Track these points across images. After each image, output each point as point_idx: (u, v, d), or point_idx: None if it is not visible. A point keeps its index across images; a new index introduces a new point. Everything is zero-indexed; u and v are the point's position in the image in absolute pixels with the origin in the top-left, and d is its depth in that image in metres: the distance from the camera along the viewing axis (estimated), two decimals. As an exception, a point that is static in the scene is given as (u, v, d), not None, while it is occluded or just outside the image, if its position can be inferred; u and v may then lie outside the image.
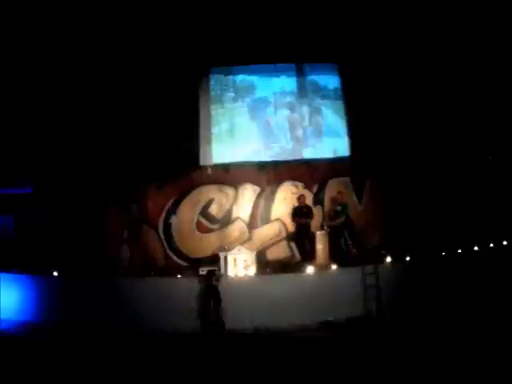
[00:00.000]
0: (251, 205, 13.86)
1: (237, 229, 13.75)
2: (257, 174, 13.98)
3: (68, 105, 13.73)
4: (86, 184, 13.53)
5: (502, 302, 10.82)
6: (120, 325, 10.63)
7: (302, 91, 14.70)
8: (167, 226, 13.69)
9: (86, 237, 13.29)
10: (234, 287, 10.95)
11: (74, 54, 13.53)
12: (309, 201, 13.74)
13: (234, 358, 8.95)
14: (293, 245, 13.70)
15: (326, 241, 12.24)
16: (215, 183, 13.87)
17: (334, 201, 13.85)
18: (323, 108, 14.71)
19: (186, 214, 13.73)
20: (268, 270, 12.30)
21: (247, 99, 14.48)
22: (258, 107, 14.46)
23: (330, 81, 14.78)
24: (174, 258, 13.60)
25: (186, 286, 11.12)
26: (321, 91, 14.78)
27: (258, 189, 13.91)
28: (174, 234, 13.68)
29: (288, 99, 14.64)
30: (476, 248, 13.16)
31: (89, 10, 13.11)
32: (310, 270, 11.57)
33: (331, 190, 14.16)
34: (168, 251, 13.65)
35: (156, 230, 13.69)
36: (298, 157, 14.32)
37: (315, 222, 13.38)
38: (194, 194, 13.80)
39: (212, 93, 14.35)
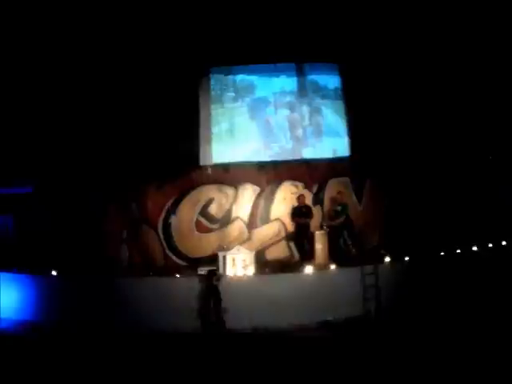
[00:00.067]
0: (251, 205, 13.85)
1: (236, 229, 13.74)
2: (256, 173, 13.97)
3: (68, 105, 13.74)
4: (85, 184, 13.54)
5: (500, 302, 10.83)
6: (119, 324, 10.64)
7: (302, 91, 14.68)
8: (166, 225, 13.69)
9: (86, 236, 13.30)
10: (233, 287, 10.92)
11: (74, 54, 13.54)
12: (308, 201, 13.73)
13: (233, 358, 8.96)
14: (292, 245, 13.69)
15: (325, 241, 12.26)
16: (215, 183, 13.86)
17: (333, 201, 13.85)
18: (323, 108, 14.70)
19: (186, 213, 13.73)
20: (267, 269, 12.30)
21: (247, 99, 14.47)
22: (257, 107, 14.45)
23: (330, 81, 14.78)
24: (174, 257, 13.60)
25: (185, 286, 11.12)
26: (321, 91, 14.77)
27: (257, 189, 13.90)
28: (173, 233, 13.68)
29: (288, 99, 14.62)
30: (475, 248, 13.14)
31: (89, 10, 13.12)
32: (309, 269, 11.57)
33: (331, 189, 14.16)
34: (167, 251, 13.64)
35: (155, 229, 13.69)
36: (297, 157, 14.31)
37: (314, 221, 13.39)
38: (193, 194, 13.80)
39: (212, 92, 14.34)
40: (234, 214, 13.82)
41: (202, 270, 11.59)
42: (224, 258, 11.94)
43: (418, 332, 9.78)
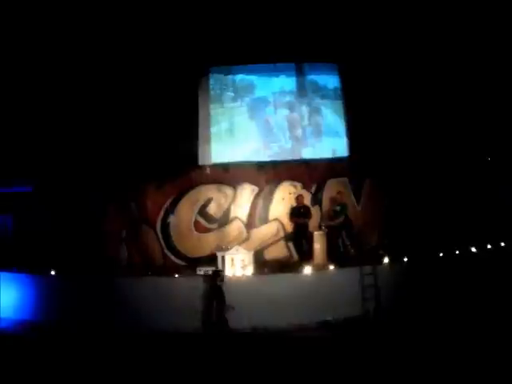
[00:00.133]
0: (249, 205, 13.87)
1: (235, 228, 13.76)
2: (255, 173, 13.98)
3: (67, 104, 13.75)
4: (85, 183, 13.55)
5: (499, 303, 10.85)
6: (118, 324, 10.65)
7: (302, 91, 14.70)
8: (165, 225, 13.70)
9: (85, 236, 13.32)
10: (232, 287, 10.91)
11: (74, 53, 13.54)
12: (307, 201, 13.76)
13: (233, 358, 8.98)
14: (291, 245, 13.72)
15: (323, 241, 12.27)
16: (214, 183, 13.88)
17: (333, 201, 13.86)
18: (323, 108, 14.72)
19: (185, 213, 13.73)
20: (266, 269, 12.30)
21: (247, 99, 14.49)
22: (257, 107, 14.47)
23: (330, 80, 14.79)
24: (172, 257, 13.60)
25: (184, 286, 11.17)
26: (320, 91, 14.78)
27: (256, 188, 13.91)
28: (171, 233, 13.68)
29: (287, 99, 14.65)
30: (474, 249, 13.15)
31: (89, 10, 13.11)
32: (307, 270, 11.58)
33: (330, 190, 14.17)
34: (166, 251, 13.65)
35: (154, 229, 13.70)
36: (297, 157, 14.33)
37: (313, 222, 13.41)
38: (192, 194, 13.81)
39: (211, 92, 14.36)
40: (232, 214, 13.83)
41: (201, 270, 11.63)
42: (223, 258, 11.94)
43: (417, 332, 9.79)
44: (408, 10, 13.79)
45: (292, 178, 14.07)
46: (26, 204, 14.18)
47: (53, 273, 11.98)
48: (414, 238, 13.21)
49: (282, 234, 13.85)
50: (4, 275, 12.15)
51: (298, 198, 13.46)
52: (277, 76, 14.61)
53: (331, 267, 11.83)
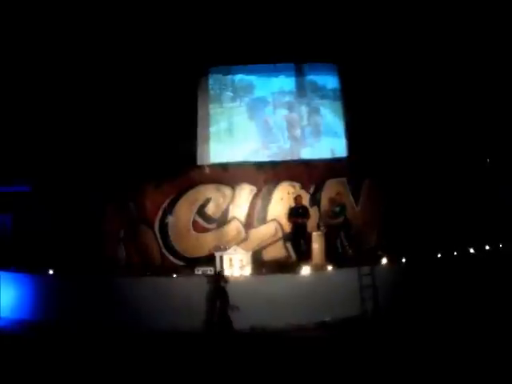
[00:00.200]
0: (248, 205, 13.88)
1: (233, 228, 13.76)
2: (254, 173, 13.98)
3: (67, 104, 13.76)
4: (83, 183, 13.56)
5: (497, 304, 10.87)
6: (116, 324, 10.62)
7: (301, 91, 14.73)
8: (163, 225, 13.69)
9: (84, 236, 13.32)
10: (230, 287, 10.88)
11: (74, 53, 13.56)
12: (305, 201, 13.76)
13: (231, 358, 8.99)
14: (289, 245, 13.72)
15: (322, 241, 12.25)
16: (213, 183, 13.87)
17: (332, 201, 13.86)
18: (322, 108, 14.77)
19: (183, 213, 13.73)
20: (264, 270, 12.29)
21: (246, 99, 14.54)
22: (256, 107, 14.51)
23: (329, 81, 14.83)
24: (170, 257, 13.60)
25: (182, 286, 11.15)
26: (319, 91, 14.82)
27: (255, 189, 13.91)
28: (170, 233, 13.67)
29: (287, 99, 14.69)
30: (472, 250, 13.15)
31: (88, 10, 13.12)
32: (305, 270, 11.57)
33: (328, 190, 14.17)
34: (164, 250, 13.65)
35: (153, 229, 13.69)
36: (295, 157, 14.37)
37: (311, 222, 13.40)
38: (191, 194, 13.81)
39: (211, 92, 14.39)
40: (231, 214, 13.84)
41: (200, 270, 11.65)
42: (221, 258, 11.92)
43: (415, 332, 9.81)
44: (407, 10, 13.80)
45: (291, 178, 14.08)
46: (25, 204, 14.20)
47: (51, 272, 11.97)
48: (412, 238, 13.21)
49: (280, 234, 13.86)
50: (3, 275, 12.14)
51: (297, 199, 13.45)
52: (276, 76, 14.65)
53: (329, 267, 11.82)
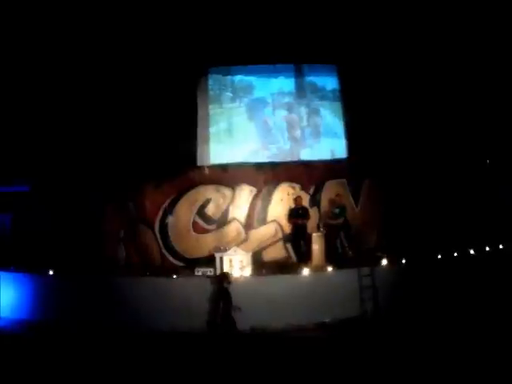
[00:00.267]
0: (248, 205, 13.88)
1: (233, 229, 13.76)
2: (254, 174, 13.99)
3: (67, 104, 13.75)
4: (83, 183, 13.55)
5: (496, 305, 10.88)
6: (116, 324, 10.63)
7: (301, 92, 14.74)
8: (163, 225, 13.69)
9: (83, 236, 13.31)
10: (230, 288, 10.94)
11: (73, 53, 13.55)
12: (305, 202, 13.76)
13: (230, 358, 8.98)
14: (289, 246, 13.72)
15: (322, 242, 12.25)
16: (212, 183, 13.87)
17: (332, 203, 13.85)
18: (321, 109, 14.77)
19: (183, 213, 13.74)
20: (264, 270, 12.28)
21: (245, 99, 14.54)
22: (256, 107, 14.51)
23: (329, 82, 14.83)
24: (170, 258, 13.60)
25: (182, 286, 11.15)
26: (319, 92, 14.82)
27: (254, 189, 13.92)
28: (169, 233, 13.68)
29: (286, 100, 14.70)
30: (472, 251, 13.16)
31: (88, 10, 13.11)
32: (305, 271, 11.56)
33: (328, 191, 14.17)
34: (163, 251, 13.65)
35: (152, 229, 13.70)
36: (295, 158, 14.37)
37: (311, 223, 13.40)
38: (191, 194, 13.81)
39: (210, 93, 14.38)
40: (231, 215, 13.85)
41: (199, 271, 11.63)
42: (221, 258, 11.89)
43: (415, 333, 9.82)
44: (407, 11, 13.81)
45: (290, 179, 14.09)
46: (25, 203, 14.18)
47: (51, 272, 11.94)
48: (412, 239, 13.20)
49: (280, 235, 13.87)
50: (2, 275, 12.13)
51: (297, 199, 13.45)
52: (276, 77, 14.66)
53: (329, 268, 11.81)
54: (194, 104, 14.08)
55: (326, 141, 14.60)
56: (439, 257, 12.64)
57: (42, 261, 12.29)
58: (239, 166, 13.94)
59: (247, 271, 11.79)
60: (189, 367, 8.65)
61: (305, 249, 12.77)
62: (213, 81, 14.45)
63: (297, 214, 13.26)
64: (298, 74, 14.75)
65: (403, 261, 12.38)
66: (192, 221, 13.72)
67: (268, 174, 14.02)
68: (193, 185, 13.84)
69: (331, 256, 12.43)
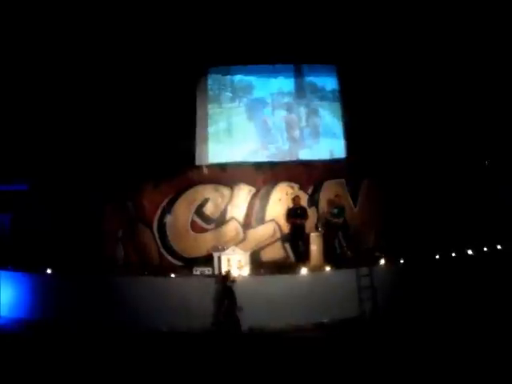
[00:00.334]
0: (246, 205, 13.87)
1: (231, 229, 13.75)
2: (253, 174, 13.98)
3: (66, 104, 13.76)
4: (82, 182, 13.55)
5: (495, 305, 10.90)
6: (114, 323, 10.66)
7: (300, 92, 14.74)
8: (162, 224, 13.69)
9: (82, 235, 13.30)
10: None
11: (73, 52, 13.55)
12: (304, 202, 13.77)
13: (229, 358, 9.01)
14: (287, 246, 13.71)
15: (320, 242, 12.27)
16: (211, 183, 13.87)
17: (331, 203, 13.84)
18: (320, 109, 14.76)
19: (182, 213, 13.72)
20: (262, 270, 12.27)
21: (245, 99, 14.54)
22: (255, 107, 14.51)
23: (328, 82, 14.83)
24: (169, 257, 13.58)
25: (181, 286, 11.16)
26: (318, 92, 14.83)
27: (253, 189, 13.90)
28: (168, 233, 13.67)
29: (285, 100, 14.70)
30: (470, 252, 13.17)
31: (88, 10, 13.11)
32: (304, 271, 11.57)
33: (327, 191, 14.16)
34: (162, 250, 13.64)
35: (151, 228, 13.69)
36: (294, 157, 14.36)
37: (310, 223, 13.42)
38: (189, 193, 13.80)
39: (210, 92, 14.38)
40: (229, 215, 13.83)
41: (198, 270, 11.65)
42: (219, 258, 11.90)
43: (413, 333, 9.84)
44: (406, 11, 13.81)
45: (289, 178, 14.08)
46: (24, 203, 14.19)
47: (49, 271, 11.95)
48: (410, 239, 13.20)
49: (278, 234, 13.85)
50: (1, 274, 12.15)
51: (295, 199, 13.46)
52: (275, 77, 14.66)
53: (328, 268, 11.80)
54: (193, 104, 14.07)
55: (325, 141, 14.60)
56: (437, 257, 12.65)
57: (41, 260, 12.29)
58: (238, 166, 13.93)
59: (245, 271, 11.79)
60: (187, 367, 8.65)
61: (303, 249, 12.77)
62: (212, 80, 14.45)
63: (295, 214, 13.26)
64: (298, 74, 14.76)
65: (402, 261, 12.36)
66: (190, 220, 13.71)
67: (267, 174, 14.01)
68: (191, 184, 13.83)
69: (329, 256, 12.44)
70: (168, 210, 13.69)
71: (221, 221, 13.80)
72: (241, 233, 13.78)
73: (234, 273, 11.66)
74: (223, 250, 12.23)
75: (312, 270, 11.77)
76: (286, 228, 13.68)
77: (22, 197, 14.25)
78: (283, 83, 14.65)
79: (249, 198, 13.90)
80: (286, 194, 13.87)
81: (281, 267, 12.57)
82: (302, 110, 14.70)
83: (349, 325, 10.82)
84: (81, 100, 13.71)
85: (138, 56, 13.63)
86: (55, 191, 13.82)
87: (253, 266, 12.14)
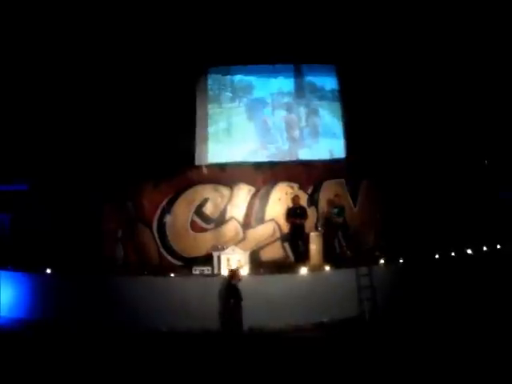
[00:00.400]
0: (246, 205, 13.89)
1: (231, 229, 13.77)
2: (252, 174, 14.00)
3: (66, 104, 13.76)
4: (81, 182, 13.56)
5: (494, 305, 10.91)
6: (114, 323, 10.65)
7: (300, 92, 14.76)
8: (161, 224, 13.71)
9: (82, 235, 13.30)
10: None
11: (73, 52, 13.56)
12: (303, 202, 13.77)
13: (229, 358, 8.98)
14: (287, 245, 13.71)
15: (319, 242, 12.27)
16: (211, 183, 13.89)
17: (331, 203, 13.84)
18: (320, 109, 14.77)
19: (181, 213, 13.74)
20: (262, 270, 12.26)
21: (245, 99, 14.55)
22: (255, 107, 14.51)
23: (328, 82, 14.84)
24: (168, 257, 13.60)
25: (180, 285, 11.17)
26: (318, 92, 14.83)
27: (253, 189, 13.93)
28: (168, 232, 13.69)
29: (285, 100, 14.71)
30: (469, 251, 13.17)
31: (88, 10, 13.12)
32: (303, 270, 11.57)
33: (326, 191, 14.18)
34: (161, 250, 13.66)
35: (151, 228, 13.71)
36: (294, 157, 14.37)
37: (309, 223, 13.42)
38: (189, 193, 13.82)
39: (210, 92, 14.40)
40: (229, 214, 13.85)
41: (197, 270, 11.65)
42: (219, 258, 11.91)
43: (413, 333, 9.85)
44: (406, 11, 13.81)
45: (289, 178, 14.09)
46: (24, 203, 14.19)
47: (49, 271, 11.95)
48: (410, 239, 13.20)
49: (278, 234, 13.86)
50: (1, 274, 12.15)
51: (295, 199, 13.46)
52: (275, 77, 14.67)
53: (327, 268, 11.81)
54: (193, 103, 14.08)
55: (325, 141, 14.61)
56: (437, 256, 12.66)
57: (41, 260, 12.29)
58: (237, 166, 13.95)
59: (245, 270, 11.78)
60: (187, 367, 8.66)
61: (303, 248, 12.77)
62: (212, 80, 14.47)
63: (295, 214, 13.26)
64: (298, 74, 14.77)
65: (401, 260, 12.38)
66: (190, 220, 13.73)
67: (266, 174, 14.03)
68: (191, 184, 13.85)
69: (329, 256, 12.44)
70: (168, 209, 13.71)
71: (220, 220, 13.81)
72: (240, 232, 13.79)
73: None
74: (223, 249, 12.25)
75: (311, 269, 11.77)
76: (285, 228, 13.69)
77: (22, 197, 14.25)
78: (283, 83, 14.66)
79: (248, 198, 13.92)
80: (286, 194, 13.88)
81: (280, 267, 12.57)
82: (302, 110, 14.71)
83: (348, 324, 10.82)
84: (81, 100, 13.72)
85: (138, 56, 13.64)
86: (55, 191, 13.83)
87: (252, 265, 12.14)
